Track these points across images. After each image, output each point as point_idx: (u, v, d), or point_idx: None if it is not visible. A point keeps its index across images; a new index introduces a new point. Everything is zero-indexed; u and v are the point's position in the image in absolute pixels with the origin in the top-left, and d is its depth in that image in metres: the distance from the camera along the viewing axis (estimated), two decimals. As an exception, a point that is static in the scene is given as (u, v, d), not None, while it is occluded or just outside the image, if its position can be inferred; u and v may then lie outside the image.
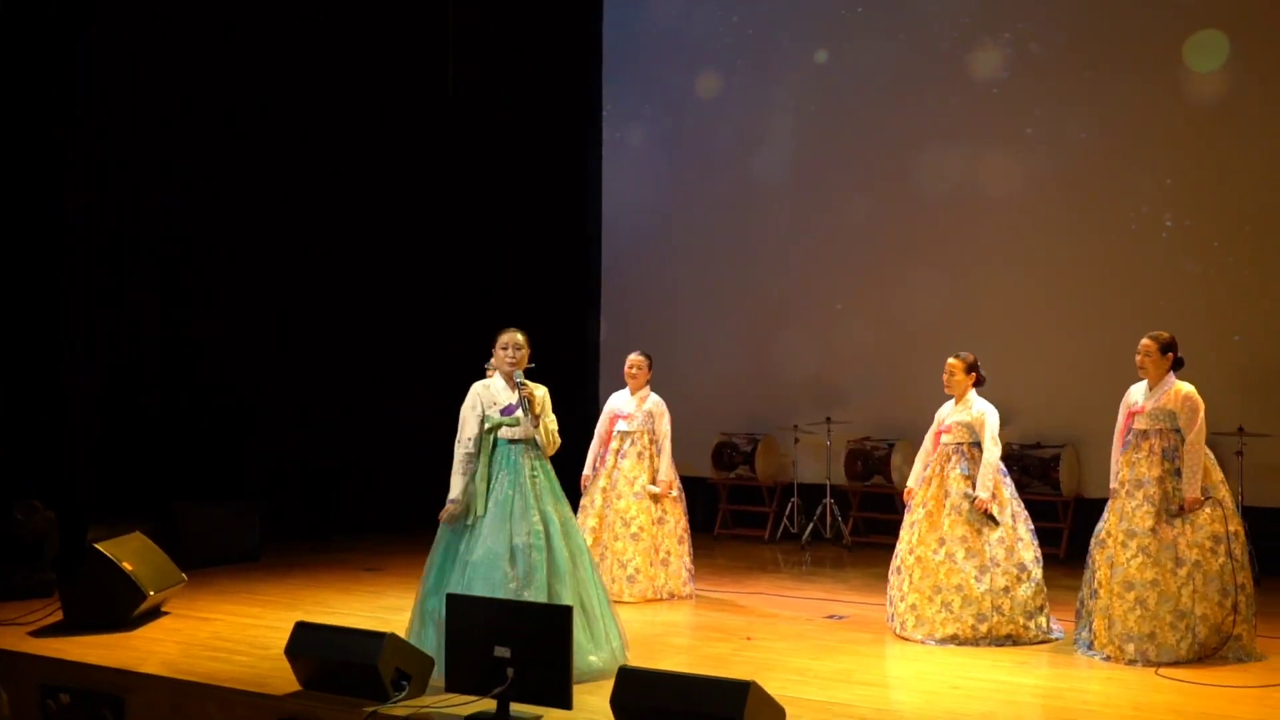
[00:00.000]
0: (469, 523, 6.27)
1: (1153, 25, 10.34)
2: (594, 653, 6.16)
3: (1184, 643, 6.60)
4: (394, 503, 11.68)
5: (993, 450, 7.37)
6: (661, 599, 8.52)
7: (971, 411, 7.48)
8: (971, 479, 7.36)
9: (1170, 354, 6.90)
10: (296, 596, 8.48)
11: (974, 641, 7.10)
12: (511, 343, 6.40)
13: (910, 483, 7.73)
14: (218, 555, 9.61)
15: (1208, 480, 6.79)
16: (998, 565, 7.20)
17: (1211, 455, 6.91)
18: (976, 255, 11.04)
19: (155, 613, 7.65)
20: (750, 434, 11.82)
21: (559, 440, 6.48)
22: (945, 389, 7.58)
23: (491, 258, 12.80)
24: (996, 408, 7.52)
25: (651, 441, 8.71)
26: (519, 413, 6.34)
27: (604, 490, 8.63)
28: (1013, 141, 10.92)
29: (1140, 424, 6.89)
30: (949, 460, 7.45)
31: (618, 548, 8.48)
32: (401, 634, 5.95)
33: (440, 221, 12.51)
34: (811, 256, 11.87)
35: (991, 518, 7.28)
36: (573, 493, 9.17)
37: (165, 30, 10.40)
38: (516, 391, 6.34)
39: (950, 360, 7.58)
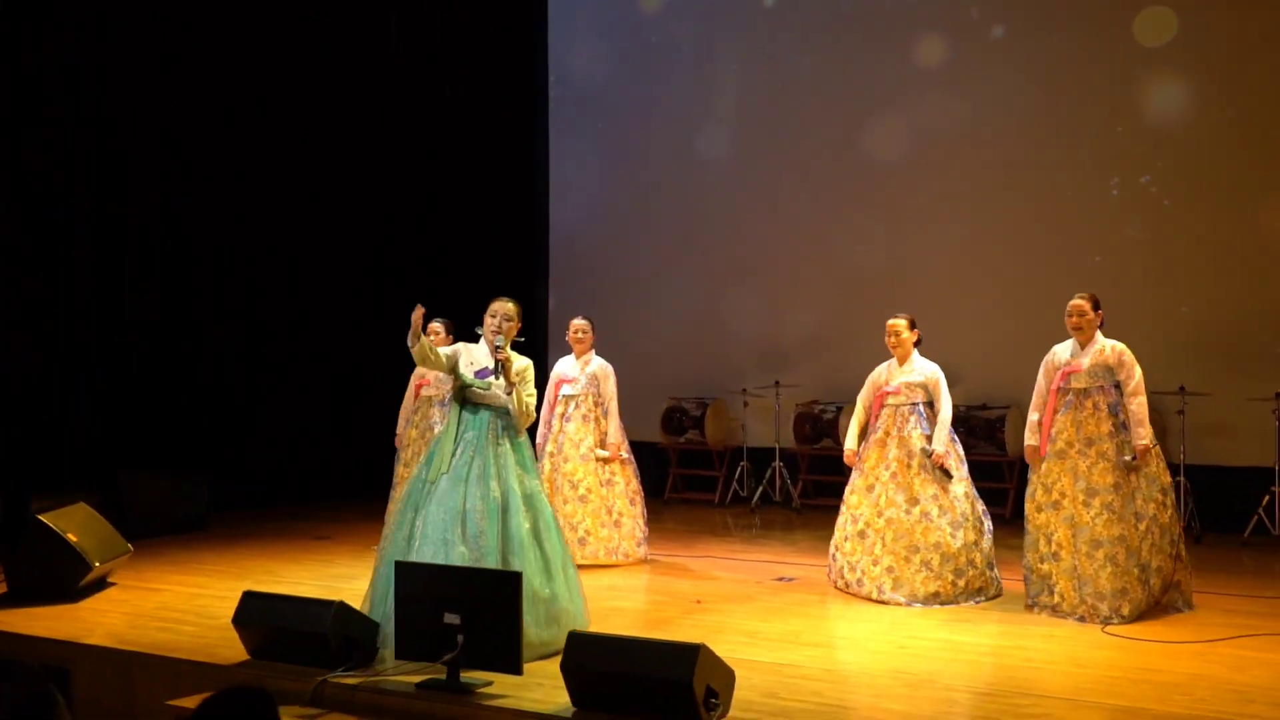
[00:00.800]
0: (428, 478, 6.17)
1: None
2: (545, 630, 5.97)
3: (1146, 595, 6.72)
4: (343, 471, 11.64)
5: (948, 408, 7.44)
6: (616, 561, 8.53)
7: (924, 371, 7.54)
8: (928, 437, 7.43)
9: (1099, 311, 6.98)
10: (244, 566, 8.43)
11: (954, 599, 7.19)
12: (501, 311, 6.30)
13: (849, 445, 7.77)
14: (164, 525, 9.54)
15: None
16: (967, 520, 7.31)
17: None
18: (922, 219, 11.10)
19: (101, 584, 7.58)
20: (699, 398, 11.86)
21: (534, 415, 6.37)
22: (891, 350, 7.61)
23: (437, 227, 12.74)
24: (943, 369, 7.58)
25: (596, 404, 8.69)
26: (492, 378, 6.25)
27: (551, 455, 8.62)
28: (958, 104, 10.96)
29: (1080, 383, 6.95)
30: (907, 421, 7.49)
31: (567, 510, 8.47)
32: (353, 603, 5.91)
33: (385, 191, 12.43)
34: (758, 221, 11.88)
35: (947, 472, 7.35)
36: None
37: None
38: (495, 356, 6.24)
39: (893, 321, 7.60)
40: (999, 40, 10.81)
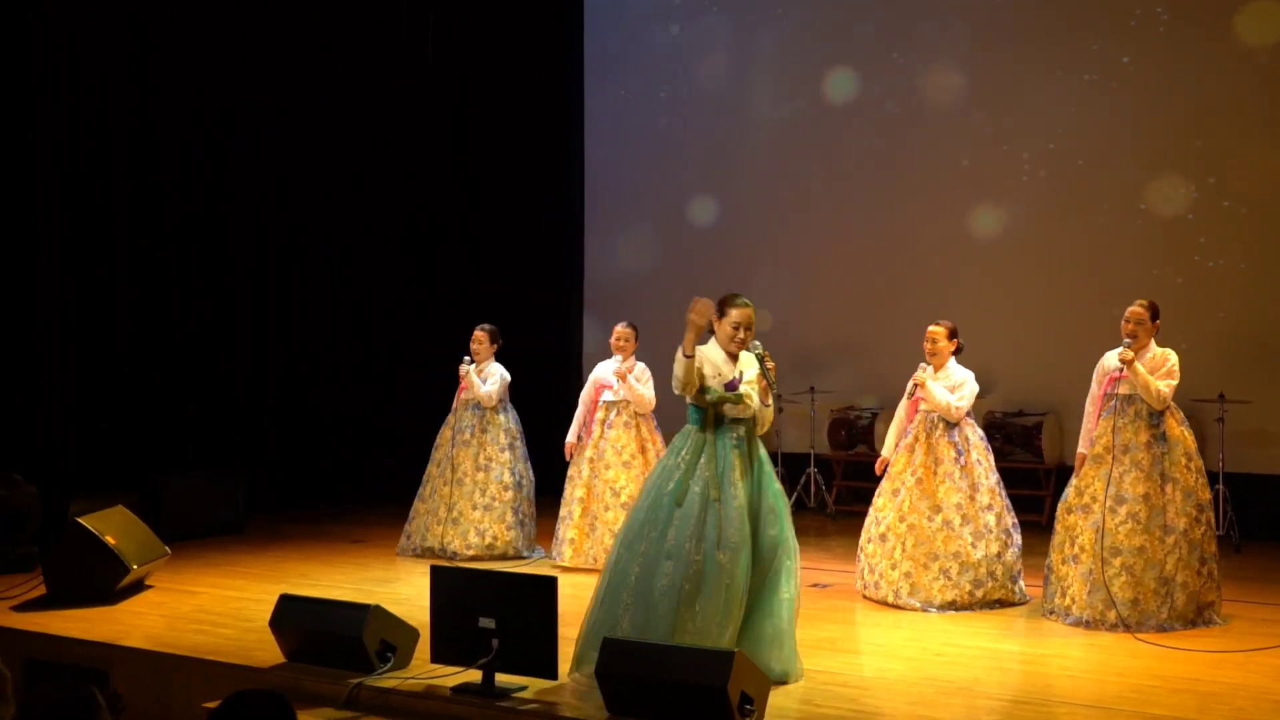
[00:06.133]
0: (678, 501, 5.60)
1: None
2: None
3: (1164, 608, 6.64)
4: (379, 474, 11.68)
5: (954, 400, 7.38)
6: None
7: (953, 379, 7.49)
8: (956, 445, 7.39)
9: (1157, 321, 6.92)
10: (280, 569, 8.47)
11: (970, 607, 7.16)
12: (744, 321, 5.73)
13: (885, 452, 7.74)
14: (201, 528, 9.60)
15: (1186, 447, 6.81)
16: (990, 531, 7.26)
17: (1188, 425, 6.94)
18: (959, 223, 11.02)
19: (139, 586, 7.63)
20: (734, 404, 11.82)
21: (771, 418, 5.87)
22: (928, 358, 7.56)
23: (474, 230, 12.79)
24: (980, 375, 7.53)
25: (637, 411, 8.70)
26: (743, 387, 5.70)
27: (591, 460, 8.60)
28: (999, 106, 10.90)
29: (1125, 389, 6.89)
30: (935, 428, 7.46)
31: (608, 518, 8.44)
32: (388, 606, 5.91)
33: (422, 194, 12.47)
34: (793, 228, 11.83)
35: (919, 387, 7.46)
36: (554, 457, 9.22)
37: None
38: (757, 363, 5.71)
39: (932, 329, 7.57)
40: (1041, 48, 10.74)
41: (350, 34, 11.80)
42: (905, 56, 11.32)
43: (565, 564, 8.46)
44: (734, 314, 5.75)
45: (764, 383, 5.75)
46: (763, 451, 5.86)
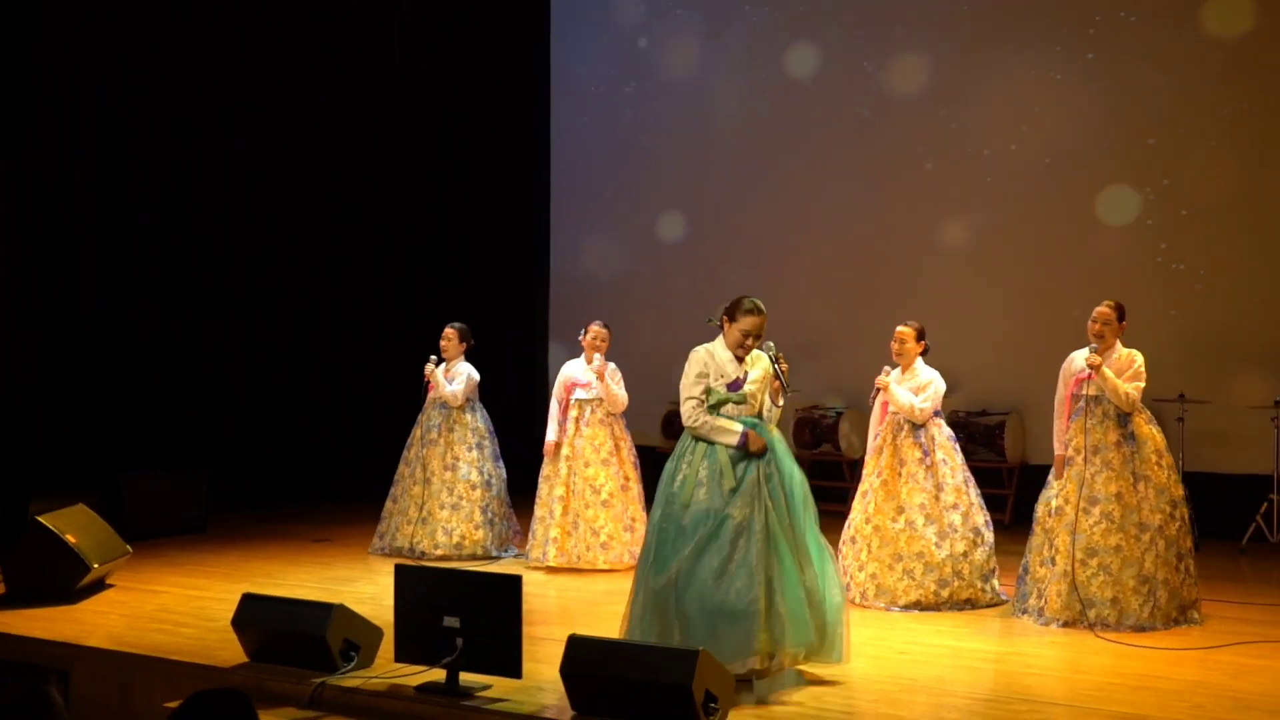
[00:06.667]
0: (718, 509, 5.56)
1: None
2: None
3: (1146, 607, 6.66)
4: (344, 473, 11.63)
5: (917, 401, 7.39)
6: (632, 565, 8.50)
7: (919, 379, 7.51)
8: (921, 445, 7.41)
9: (1124, 321, 6.96)
10: (243, 568, 8.42)
11: (935, 607, 7.16)
12: (754, 330, 5.71)
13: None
14: (164, 526, 9.53)
15: (1156, 445, 6.86)
16: (956, 530, 7.26)
17: (1156, 423, 6.99)
18: (923, 224, 11.08)
19: (100, 585, 7.57)
20: (699, 402, 11.82)
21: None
22: (895, 358, 7.59)
23: (439, 227, 12.76)
24: (943, 375, 7.55)
25: (609, 412, 8.70)
26: (747, 388, 5.72)
27: (568, 459, 8.56)
28: (962, 108, 10.95)
29: (1092, 390, 6.91)
30: (900, 429, 7.48)
31: (589, 515, 8.45)
32: (352, 605, 5.89)
33: (386, 191, 12.42)
34: (759, 229, 11.85)
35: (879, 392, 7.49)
36: (532, 456, 9.19)
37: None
38: (770, 363, 5.76)
39: (901, 329, 7.59)
40: (1006, 49, 10.80)
41: (321, 38, 11.74)
42: (872, 59, 11.35)
43: (551, 564, 8.44)
44: (745, 322, 5.72)
45: (777, 383, 5.79)
46: (778, 435, 5.82)
